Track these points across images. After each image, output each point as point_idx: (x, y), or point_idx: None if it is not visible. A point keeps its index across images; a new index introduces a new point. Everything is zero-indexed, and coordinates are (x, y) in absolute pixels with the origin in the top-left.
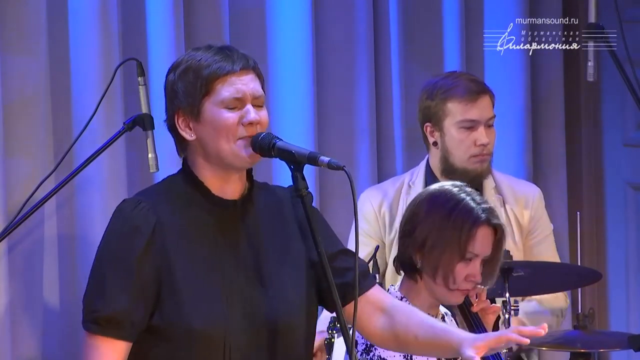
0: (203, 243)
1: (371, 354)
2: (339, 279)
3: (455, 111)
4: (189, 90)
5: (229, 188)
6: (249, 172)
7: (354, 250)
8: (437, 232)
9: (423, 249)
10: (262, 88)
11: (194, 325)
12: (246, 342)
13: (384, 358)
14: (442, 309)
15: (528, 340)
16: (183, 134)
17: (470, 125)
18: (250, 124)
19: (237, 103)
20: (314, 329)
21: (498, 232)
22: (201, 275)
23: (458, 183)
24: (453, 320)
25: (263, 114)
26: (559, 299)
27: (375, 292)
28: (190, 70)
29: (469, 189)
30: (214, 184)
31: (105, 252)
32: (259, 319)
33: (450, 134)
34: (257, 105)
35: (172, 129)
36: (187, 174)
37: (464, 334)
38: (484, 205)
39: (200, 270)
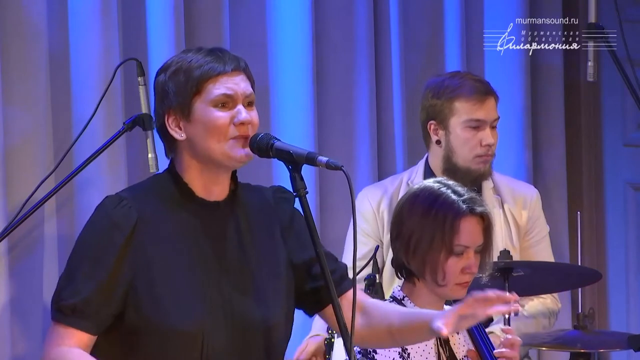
0: (185, 243)
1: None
2: (318, 282)
3: (462, 110)
4: (179, 90)
5: (215, 189)
6: (233, 174)
7: (353, 250)
8: (420, 230)
9: (409, 249)
10: (253, 89)
11: (172, 323)
12: (224, 342)
13: None
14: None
15: (501, 309)
16: (173, 133)
17: (477, 125)
18: (242, 123)
19: (228, 100)
20: (291, 332)
21: (485, 220)
22: (181, 275)
23: (440, 178)
24: None
25: (254, 114)
26: (550, 301)
27: (352, 293)
28: (181, 70)
29: (450, 182)
30: (200, 185)
31: (81, 245)
32: (238, 320)
33: (455, 133)
34: (248, 105)
35: (161, 130)
36: (172, 174)
37: (436, 312)
38: (465, 196)
39: (181, 270)
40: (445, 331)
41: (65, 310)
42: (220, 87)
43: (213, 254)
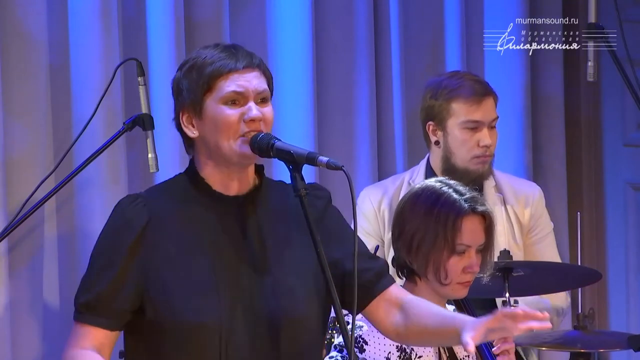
0: (201, 238)
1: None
2: (358, 280)
3: (460, 111)
4: (191, 87)
5: (233, 185)
6: (261, 169)
7: (354, 250)
8: (422, 229)
9: (411, 248)
10: (270, 84)
11: (187, 319)
12: (246, 337)
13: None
14: (450, 308)
15: (532, 325)
16: (186, 131)
17: (474, 126)
18: (252, 120)
19: (238, 97)
20: (326, 328)
21: (487, 219)
22: (196, 271)
23: (441, 178)
24: None
25: (267, 110)
26: (558, 298)
27: (393, 289)
28: (195, 68)
29: (452, 182)
30: (217, 180)
31: (97, 244)
32: (259, 313)
33: (453, 134)
34: (262, 102)
35: (179, 127)
36: (191, 172)
37: (468, 318)
38: (467, 195)
39: (196, 266)
40: (472, 348)
41: (81, 308)
42: (231, 84)
43: (231, 248)
